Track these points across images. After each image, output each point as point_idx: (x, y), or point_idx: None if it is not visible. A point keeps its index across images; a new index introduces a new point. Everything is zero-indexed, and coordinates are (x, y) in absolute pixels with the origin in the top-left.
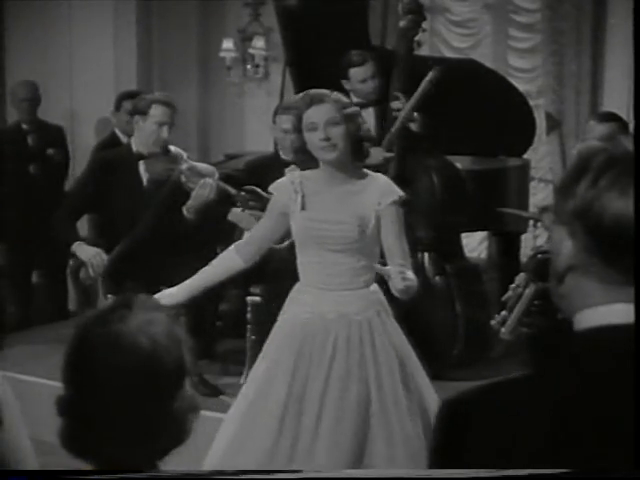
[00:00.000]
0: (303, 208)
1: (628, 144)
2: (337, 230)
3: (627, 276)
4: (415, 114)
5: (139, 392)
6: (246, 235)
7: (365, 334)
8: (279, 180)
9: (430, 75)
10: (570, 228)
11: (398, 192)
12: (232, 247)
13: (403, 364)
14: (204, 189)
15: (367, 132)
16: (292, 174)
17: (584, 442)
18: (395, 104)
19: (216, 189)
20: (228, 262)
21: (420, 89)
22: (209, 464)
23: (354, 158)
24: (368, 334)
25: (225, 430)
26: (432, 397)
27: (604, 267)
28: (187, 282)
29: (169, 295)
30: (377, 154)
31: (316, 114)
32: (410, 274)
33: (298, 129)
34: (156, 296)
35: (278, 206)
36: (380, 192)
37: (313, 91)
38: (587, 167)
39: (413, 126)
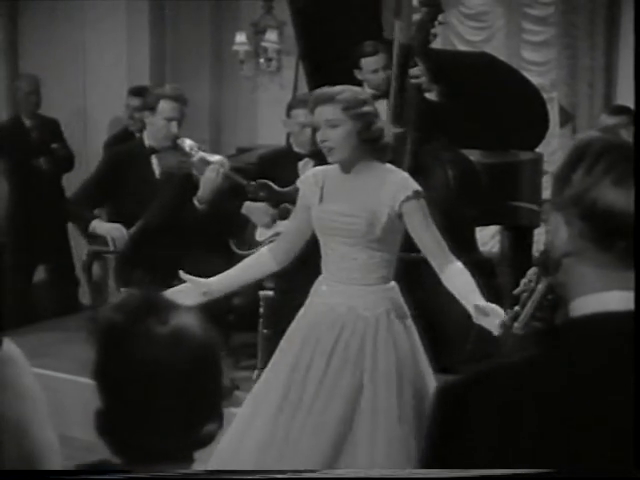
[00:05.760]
0: (321, 200)
1: (630, 137)
2: (345, 222)
3: (622, 261)
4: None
5: (188, 383)
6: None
7: (370, 331)
8: (306, 173)
9: None
10: (566, 215)
11: (413, 187)
12: (265, 249)
13: (402, 369)
14: (212, 173)
15: (379, 131)
16: (317, 168)
17: (578, 433)
18: (413, 71)
19: (226, 178)
20: (261, 265)
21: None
22: (214, 463)
23: (370, 157)
24: (373, 332)
25: (234, 425)
26: None
27: (599, 252)
28: (218, 279)
29: (203, 293)
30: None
31: (319, 115)
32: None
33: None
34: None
35: (303, 200)
36: (395, 188)
37: (321, 90)
38: (583, 154)
39: (431, 95)
